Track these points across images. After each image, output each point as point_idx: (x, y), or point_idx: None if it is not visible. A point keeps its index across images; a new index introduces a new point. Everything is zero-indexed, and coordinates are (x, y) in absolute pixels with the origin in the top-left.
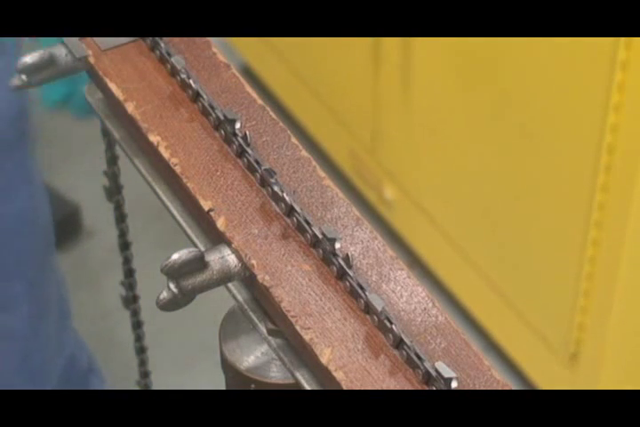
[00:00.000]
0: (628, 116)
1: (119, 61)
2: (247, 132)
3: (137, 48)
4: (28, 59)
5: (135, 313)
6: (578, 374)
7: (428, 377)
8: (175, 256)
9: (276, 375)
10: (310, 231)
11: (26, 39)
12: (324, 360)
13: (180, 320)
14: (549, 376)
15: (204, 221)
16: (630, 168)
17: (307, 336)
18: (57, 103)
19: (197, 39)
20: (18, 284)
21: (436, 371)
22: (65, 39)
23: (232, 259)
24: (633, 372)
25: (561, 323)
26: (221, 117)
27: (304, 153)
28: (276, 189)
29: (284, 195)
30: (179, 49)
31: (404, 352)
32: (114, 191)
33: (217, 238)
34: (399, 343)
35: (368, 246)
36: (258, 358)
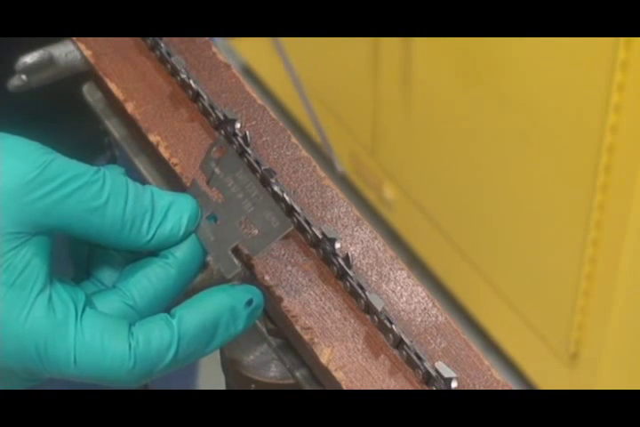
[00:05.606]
0: (628, 116)
1: (119, 61)
2: (247, 132)
3: (137, 48)
4: (28, 59)
5: None
6: (578, 374)
7: (428, 377)
8: None
9: (276, 375)
10: (310, 231)
11: None
12: (323, 360)
13: None
14: (549, 376)
15: None
16: (630, 168)
17: (307, 336)
18: None
19: (197, 39)
20: None
21: (436, 371)
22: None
23: None
24: (633, 372)
25: (561, 323)
26: (221, 117)
27: (304, 153)
28: (276, 188)
29: (284, 195)
30: (179, 49)
31: (404, 352)
32: None
33: None
34: (399, 343)
35: (368, 246)
36: (258, 358)
